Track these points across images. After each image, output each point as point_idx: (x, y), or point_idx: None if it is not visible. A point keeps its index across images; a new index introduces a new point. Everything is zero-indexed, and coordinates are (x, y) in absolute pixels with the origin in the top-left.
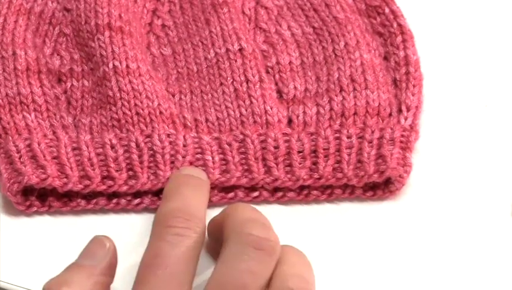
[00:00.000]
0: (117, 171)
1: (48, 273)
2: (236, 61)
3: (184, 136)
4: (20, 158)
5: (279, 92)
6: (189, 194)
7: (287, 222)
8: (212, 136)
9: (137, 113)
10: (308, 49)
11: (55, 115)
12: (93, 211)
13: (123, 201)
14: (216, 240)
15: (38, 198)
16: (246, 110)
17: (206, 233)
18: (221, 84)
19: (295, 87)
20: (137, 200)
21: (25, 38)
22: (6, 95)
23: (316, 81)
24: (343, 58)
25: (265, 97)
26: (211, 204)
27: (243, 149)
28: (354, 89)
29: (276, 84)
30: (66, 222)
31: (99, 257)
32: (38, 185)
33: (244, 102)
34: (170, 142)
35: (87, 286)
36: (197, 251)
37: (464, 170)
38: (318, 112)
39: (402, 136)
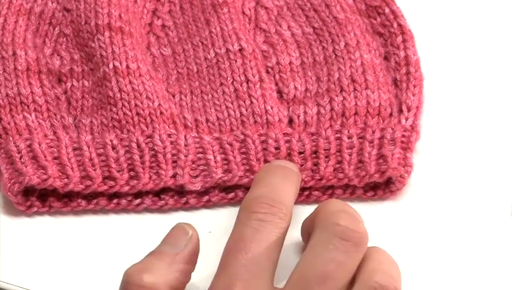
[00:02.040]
0: (118, 171)
1: (48, 273)
2: (236, 61)
3: (185, 136)
4: (20, 158)
5: (279, 92)
6: (277, 182)
7: None
8: (212, 136)
9: (138, 114)
10: (309, 49)
11: (55, 115)
12: (94, 212)
13: (124, 201)
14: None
15: (39, 198)
16: (247, 110)
17: (300, 235)
18: (222, 84)
19: (295, 88)
20: (137, 201)
21: (25, 38)
22: (7, 95)
23: (317, 82)
24: (343, 59)
25: (266, 97)
26: (211, 204)
27: (244, 149)
28: (355, 89)
29: (277, 84)
30: (67, 222)
31: (181, 245)
32: (39, 185)
33: (244, 102)
34: (171, 142)
35: (169, 274)
36: (281, 238)
37: (464, 170)
38: (319, 112)
39: (403, 136)
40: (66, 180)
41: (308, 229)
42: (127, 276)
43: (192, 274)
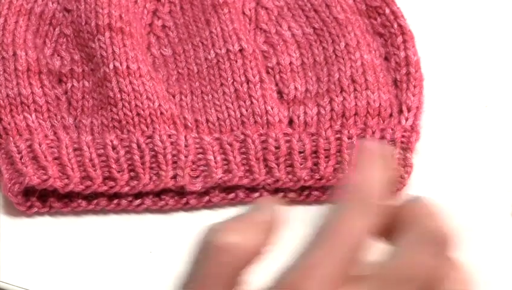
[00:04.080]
0: (119, 172)
1: (48, 273)
2: (236, 61)
3: (185, 137)
4: (21, 159)
5: (279, 92)
6: (372, 173)
7: (288, 223)
8: (213, 136)
9: (138, 114)
10: (309, 50)
11: (56, 115)
12: (94, 212)
13: (124, 202)
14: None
15: (39, 199)
16: (247, 111)
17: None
18: (222, 84)
19: (296, 88)
20: (138, 201)
21: (25, 39)
22: (7, 95)
23: (317, 82)
24: (343, 59)
25: (266, 97)
26: (212, 204)
27: (244, 149)
28: (355, 89)
29: (277, 84)
30: (67, 222)
31: (267, 213)
32: (40, 186)
33: (244, 102)
34: (171, 143)
35: (252, 237)
36: (371, 230)
37: (464, 170)
38: (319, 113)
39: (403, 136)
40: (66, 180)
41: (385, 230)
42: (210, 232)
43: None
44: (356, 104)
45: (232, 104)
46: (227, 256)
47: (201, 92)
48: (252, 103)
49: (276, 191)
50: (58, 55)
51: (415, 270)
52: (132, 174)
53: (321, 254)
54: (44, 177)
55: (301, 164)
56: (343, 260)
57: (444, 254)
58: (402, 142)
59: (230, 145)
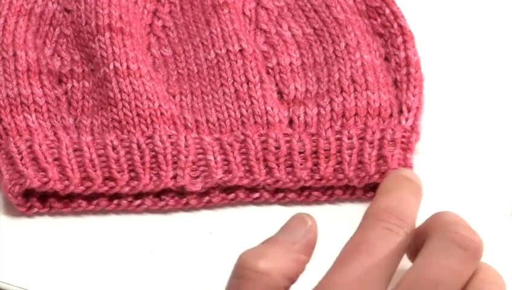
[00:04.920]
0: (119, 172)
1: (48, 273)
2: (236, 62)
3: (185, 137)
4: (21, 160)
5: (279, 92)
6: (407, 197)
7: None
8: (213, 136)
9: (138, 115)
10: (309, 50)
11: (56, 116)
12: (94, 212)
13: (124, 202)
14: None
15: (39, 199)
16: (247, 111)
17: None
18: (222, 85)
19: (296, 88)
20: (138, 201)
21: (25, 39)
22: (7, 96)
23: (317, 82)
24: (343, 59)
25: (266, 98)
26: (212, 205)
27: (244, 150)
28: (355, 89)
29: (277, 85)
30: (67, 222)
31: (299, 234)
32: (40, 188)
33: (244, 103)
34: (172, 143)
35: (284, 262)
36: (403, 251)
37: (464, 170)
38: (319, 113)
39: (403, 137)
40: (66, 182)
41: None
42: (242, 260)
43: (193, 274)
44: (356, 105)
45: (232, 104)
46: (259, 284)
47: (202, 92)
48: (252, 103)
49: (276, 191)
50: (58, 56)
51: (442, 274)
52: (132, 174)
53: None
54: (45, 179)
55: (301, 164)
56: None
57: (473, 261)
58: (402, 142)
59: (231, 145)
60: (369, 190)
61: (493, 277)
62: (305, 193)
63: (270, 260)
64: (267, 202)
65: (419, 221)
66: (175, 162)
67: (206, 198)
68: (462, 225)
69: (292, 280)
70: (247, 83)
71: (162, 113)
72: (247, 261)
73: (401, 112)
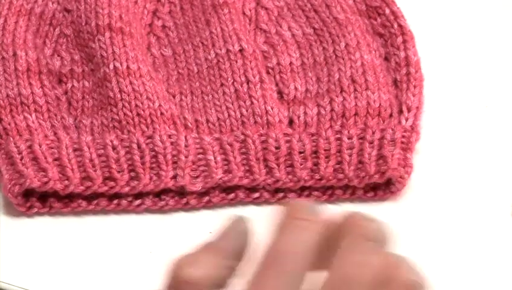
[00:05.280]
0: (119, 172)
1: (48, 273)
2: (236, 62)
3: (185, 137)
4: (21, 160)
5: (279, 92)
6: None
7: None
8: (213, 136)
9: (138, 114)
10: (309, 50)
11: (56, 115)
12: (94, 212)
13: (124, 202)
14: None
15: (39, 199)
16: (247, 111)
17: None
18: (222, 84)
19: (296, 88)
20: (138, 201)
21: (25, 39)
22: (7, 96)
23: (317, 82)
24: (343, 59)
25: (266, 98)
26: (212, 205)
27: (244, 149)
28: (355, 89)
29: (277, 84)
30: (67, 222)
31: (231, 239)
32: (40, 188)
33: (244, 102)
34: (172, 143)
35: (215, 269)
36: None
37: (464, 170)
38: (319, 113)
39: (403, 136)
40: (66, 182)
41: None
42: (176, 268)
43: None
44: (356, 104)
45: (232, 104)
46: None
47: (202, 92)
48: (252, 103)
49: (276, 191)
50: (58, 56)
51: (354, 270)
52: (132, 174)
53: (269, 275)
54: (45, 179)
55: (301, 164)
56: (291, 278)
57: (384, 250)
58: (402, 142)
59: (231, 145)
60: (369, 190)
61: (410, 264)
62: (305, 193)
63: (201, 268)
64: (267, 202)
65: (426, 220)
66: (175, 162)
67: (206, 198)
68: (370, 221)
69: (221, 286)
70: (247, 83)
71: (162, 113)
72: (179, 269)
73: (401, 111)
